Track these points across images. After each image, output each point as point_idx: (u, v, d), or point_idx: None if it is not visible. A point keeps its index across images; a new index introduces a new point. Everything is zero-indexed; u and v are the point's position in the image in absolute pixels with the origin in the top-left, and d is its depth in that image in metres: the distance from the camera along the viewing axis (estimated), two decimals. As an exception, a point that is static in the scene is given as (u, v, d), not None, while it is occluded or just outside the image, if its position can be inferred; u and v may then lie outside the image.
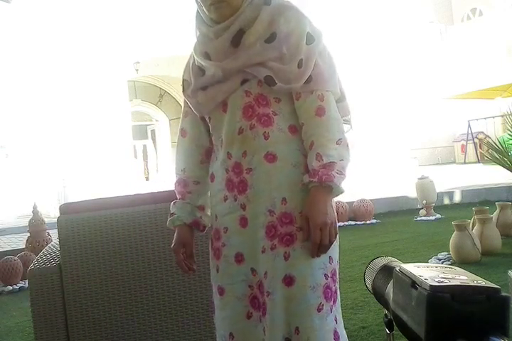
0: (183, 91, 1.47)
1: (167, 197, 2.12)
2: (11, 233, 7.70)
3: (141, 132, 17.31)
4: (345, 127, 1.39)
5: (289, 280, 1.27)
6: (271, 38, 1.29)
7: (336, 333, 1.26)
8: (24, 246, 5.08)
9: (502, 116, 10.97)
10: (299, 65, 1.29)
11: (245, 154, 1.32)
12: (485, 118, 14.65)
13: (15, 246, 5.91)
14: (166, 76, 15.26)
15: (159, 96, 16.89)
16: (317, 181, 1.25)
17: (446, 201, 7.09)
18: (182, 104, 1.57)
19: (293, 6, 1.35)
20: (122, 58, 10.85)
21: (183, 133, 1.52)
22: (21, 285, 4.44)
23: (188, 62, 1.47)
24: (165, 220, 2.01)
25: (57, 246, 2.08)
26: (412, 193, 6.53)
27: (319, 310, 1.25)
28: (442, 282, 0.47)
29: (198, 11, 1.40)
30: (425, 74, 15.69)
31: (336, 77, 1.36)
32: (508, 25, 15.35)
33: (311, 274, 1.27)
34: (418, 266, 0.53)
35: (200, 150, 1.49)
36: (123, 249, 1.99)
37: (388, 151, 13.87)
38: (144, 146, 18.00)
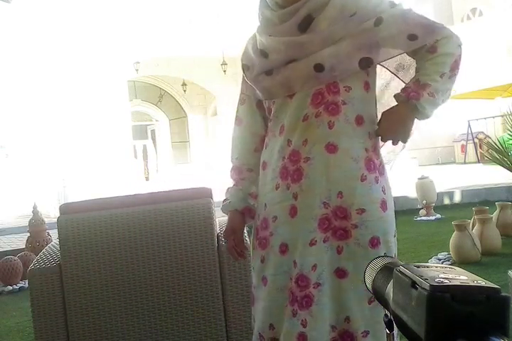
0: (244, 74, 1.44)
1: (167, 197, 2.12)
2: (11, 233, 7.70)
3: (141, 132, 17.31)
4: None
5: (341, 273, 1.27)
6: (352, 14, 1.25)
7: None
8: (24, 246, 5.07)
9: (502, 116, 10.96)
10: (377, 23, 1.25)
11: (306, 142, 1.28)
12: (485, 118, 14.63)
13: (15, 246, 5.92)
14: (166, 76, 15.26)
15: (159, 96, 16.89)
16: (404, 96, 1.27)
17: (446, 201, 7.08)
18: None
19: None
20: (122, 58, 10.85)
21: (238, 121, 1.50)
22: (21, 285, 4.43)
23: (247, 47, 1.44)
24: (164, 220, 2.02)
25: (57, 246, 2.08)
26: (412, 193, 6.53)
27: (370, 302, 1.26)
28: (442, 282, 0.47)
29: None
30: (425, 74, 15.67)
31: (435, 23, 1.31)
32: (508, 25, 15.35)
33: (362, 270, 1.26)
34: (418, 266, 0.53)
35: (255, 139, 1.47)
36: (123, 248, 1.99)
37: (388, 151, 13.85)
38: (144, 146, 18.00)
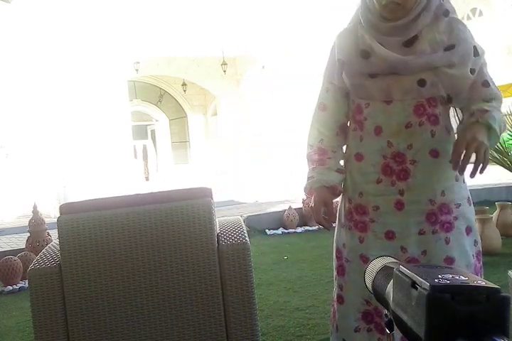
0: (340, 68, 1.55)
1: (167, 197, 2.12)
2: (11, 233, 7.70)
3: (141, 132, 17.30)
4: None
5: (449, 261, 1.48)
6: (449, 48, 1.43)
7: None
8: (24, 246, 5.08)
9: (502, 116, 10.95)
10: (472, 72, 1.45)
11: (411, 147, 1.47)
12: (485, 118, 14.63)
13: (15, 246, 5.91)
14: (166, 76, 15.25)
15: (159, 96, 16.88)
16: (474, 118, 1.43)
17: (446, 201, 7.06)
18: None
19: (459, 19, 1.49)
20: (122, 58, 10.85)
21: (322, 107, 1.64)
22: (21, 285, 4.44)
23: (342, 42, 1.56)
24: (164, 220, 2.02)
25: (57, 246, 2.07)
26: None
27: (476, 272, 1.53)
28: (442, 282, 0.47)
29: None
30: (425, 74, 15.66)
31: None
32: (508, 25, 15.34)
33: (465, 255, 1.51)
34: (418, 266, 0.53)
35: (337, 124, 1.62)
36: (123, 248, 1.99)
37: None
38: (144, 146, 17.99)
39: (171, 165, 17.16)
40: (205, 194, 2.11)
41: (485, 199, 6.78)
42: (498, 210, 4.55)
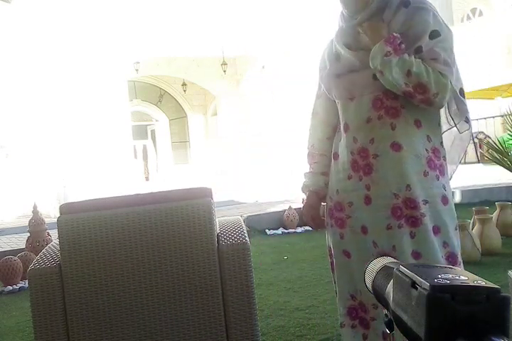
0: (320, 76, 1.67)
1: (167, 197, 2.12)
2: (11, 233, 7.69)
3: (141, 132, 17.30)
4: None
5: (416, 255, 1.45)
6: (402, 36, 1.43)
7: None
8: (24, 246, 5.08)
9: (502, 116, 10.96)
10: (417, 51, 1.42)
11: (372, 141, 1.48)
12: (485, 118, 14.62)
13: (15, 246, 5.91)
14: (166, 76, 15.25)
15: (159, 96, 16.88)
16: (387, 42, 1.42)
17: (446, 201, 7.06)
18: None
19: (424, 7, 1.45)
20: (122, 58, 10.84)
21: (314, 113, 1.73)
22: (21, 285, 4.44)
23: (323, 52, 1.67)
24: (164, 220, 2.02)
25: (57, 246, 2.07)
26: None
27: None
28: (442, 282, 0.47)
29: None
30: (425, 74, 15.63)
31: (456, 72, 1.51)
32: (508, 25, 15.33)
33: (433, 253, 1.45)
34: (418, 266, 0.53)
35: (327, 129, 1.68)
36: (123, 249, 1.99)
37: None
38: (144, 146, 17.99)
39: (171, 165, 17.17)
40: (205, 194, 2.11)
41: (485, 199, 6.79)
42: (498, 210, 4.55)
